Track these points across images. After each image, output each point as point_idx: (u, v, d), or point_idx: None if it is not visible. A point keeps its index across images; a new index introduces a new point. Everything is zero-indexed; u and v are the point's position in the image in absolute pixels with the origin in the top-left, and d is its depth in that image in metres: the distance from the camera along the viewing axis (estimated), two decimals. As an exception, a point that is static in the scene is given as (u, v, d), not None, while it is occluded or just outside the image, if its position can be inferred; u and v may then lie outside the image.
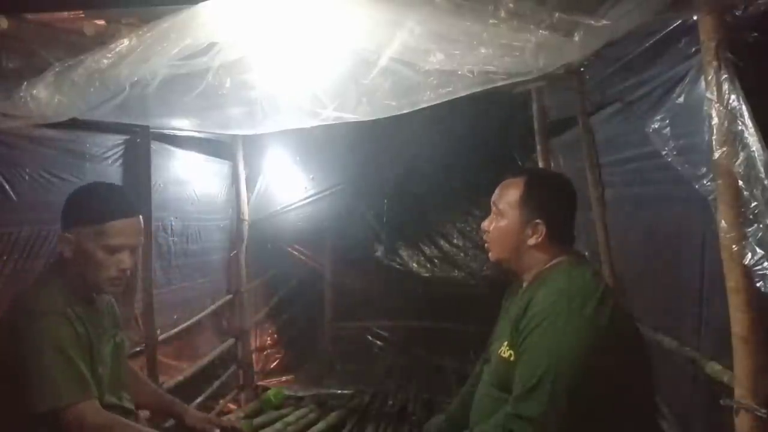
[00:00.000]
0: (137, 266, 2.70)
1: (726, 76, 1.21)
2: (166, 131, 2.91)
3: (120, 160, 2.60)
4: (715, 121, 1.22)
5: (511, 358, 1.42)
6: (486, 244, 1.60)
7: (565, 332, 1.31)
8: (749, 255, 1.17)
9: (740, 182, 1.18)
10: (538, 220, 1.48)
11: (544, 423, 1.28)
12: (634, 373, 1.39)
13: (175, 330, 3.07)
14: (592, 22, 1.32)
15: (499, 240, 1.55)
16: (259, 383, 4.02)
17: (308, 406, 3.63)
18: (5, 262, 1.91)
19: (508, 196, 1.53)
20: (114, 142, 2.56)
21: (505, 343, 1.45)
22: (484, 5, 1.32)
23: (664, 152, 1.54)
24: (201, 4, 1.34)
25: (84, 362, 1.47)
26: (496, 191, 1.58)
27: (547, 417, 1.28)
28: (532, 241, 1.48)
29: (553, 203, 1.51)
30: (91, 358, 1.53)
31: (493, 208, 1.57)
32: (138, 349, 2.65)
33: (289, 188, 4.34)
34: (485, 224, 1.59)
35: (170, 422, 1.97)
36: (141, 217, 1.61)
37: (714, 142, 1.23)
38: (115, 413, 1.59)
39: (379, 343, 4.53)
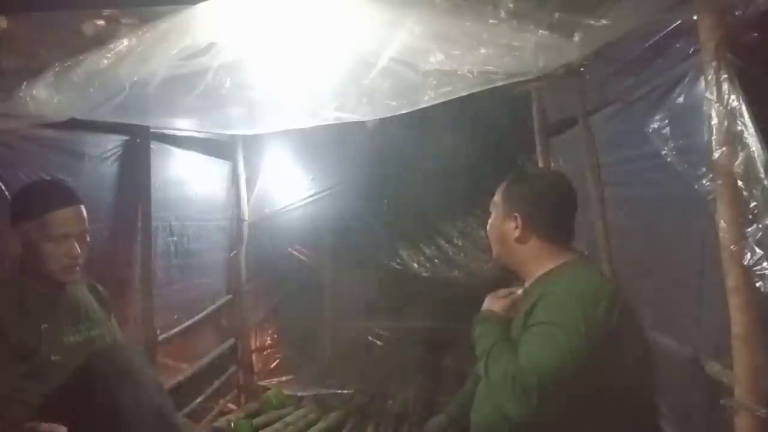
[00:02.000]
0: (139, 264, 2.70)
1: (726, 76, 1.21)
2: (166, 131, 2.91)
3: (120, 160, 2.60)
4: (715, 121, 1.22)
5: None
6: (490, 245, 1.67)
7: (574, 330, 1.31)
8: (749, 255, 1.17)
9: (740, 182, 1.18)
10: (515, 213, 1.52)
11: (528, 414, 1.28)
12: (638, 373, 1.39)
13: (175, 330, 3.06)
14: (592, 22, 1.32)
15: (492, 238, 1.63)
16: (259, 383, 4.02)
17: (308, 406, 3.63)
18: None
19: (496, 196, 1.61)
20: (114, 142, 2.56)
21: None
22: (484, 5, 1.32)
23: (664, 152, 1.54)
24: (201, 4, 1.34)
25: None
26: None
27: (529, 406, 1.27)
28: (515, 234, 1.52)
29: (531, 197, 1.54)
30: (41, 349, 1.56)
31: (490, 209, 1.65)
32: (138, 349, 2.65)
33: (289, 188, 4.34)
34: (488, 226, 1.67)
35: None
36: (82, 206, 1.68)
37: (714, 142, 1.23)
38: None
39: (379, 343, 4.53)
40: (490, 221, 1.62)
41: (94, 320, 1.79)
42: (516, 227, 1.52)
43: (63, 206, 1.63)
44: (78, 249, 1.65)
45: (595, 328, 1.31)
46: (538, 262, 1.51)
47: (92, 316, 1.79)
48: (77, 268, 1.68)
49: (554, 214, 1.54)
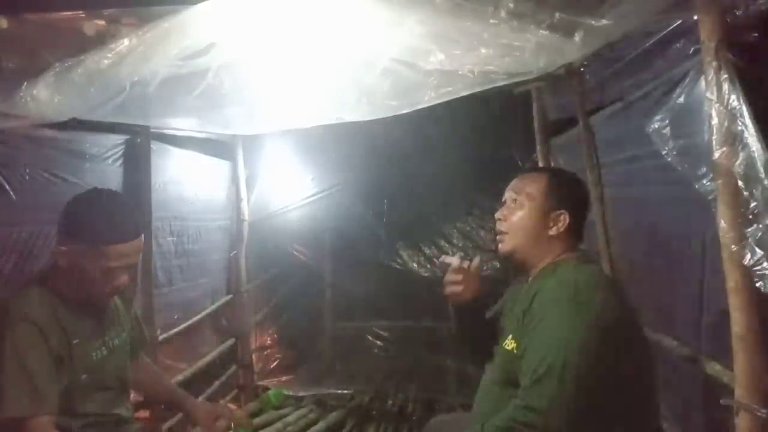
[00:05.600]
0: (137, 269, 2.70)
1: (726, 76, 1.21)
2: (166, 131, 2.90)
3: (120, 160, 2.60)
4: (715, 121, 1.23)
5: (515, 351, 1.42)
6: (499, 235, 1.59)
7: (572, 323, 1.32)
8: (749, 255, 1.17)
9: (740, 182, 1.19)
10: (562, 211, 1.51)
11: (552, 413, 1.28)
12: (637, 367, 1.40)
13: (175, 330, 3.06)
14: (593, 22, 1.32)
15: (518, 228, 1.54)
16: (259, 383, 4.02)
17: (308, 406, 3.63)
18: (5, 262, 1.91)
19: (530, 187, 1.55)
20: (114, 142, 2.56)
21: (510, 336, 1.46)
22: (484, 5, 1.32)
23: (664, 152, 1.54)
24: (201, 4, 1.34)
25: (47, 375, 1.41)
26: (515, 182, 1.60)
27: (555, 407, 1.27)
28: (553, 231, 1.51)
29: (575, 197, 1.56)
30: (71, 367, 1.49)
31: (513, 197, 1.57)
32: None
33: (289, 188, 4.34)
34: (500, 213, 1.59)
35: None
36: (143, 235, 1.55)
37: (714, 142, 1.23)
38: (107, 422, 1.59)
39: (379, 343, 4.53)
40: (520, 214, 1.53)
41: (118, 327, 1.70)
42: (559, 225, 1.50)
43: (125, 240, 1.48)
44: (125, 278, 1.53)
45: (592, 320, 1.32)
46: (553, 257, 1.52)
47: (117, 323, 1.70)
48: (117, 294, 1.58)
49: (585, 217, 1.58)
